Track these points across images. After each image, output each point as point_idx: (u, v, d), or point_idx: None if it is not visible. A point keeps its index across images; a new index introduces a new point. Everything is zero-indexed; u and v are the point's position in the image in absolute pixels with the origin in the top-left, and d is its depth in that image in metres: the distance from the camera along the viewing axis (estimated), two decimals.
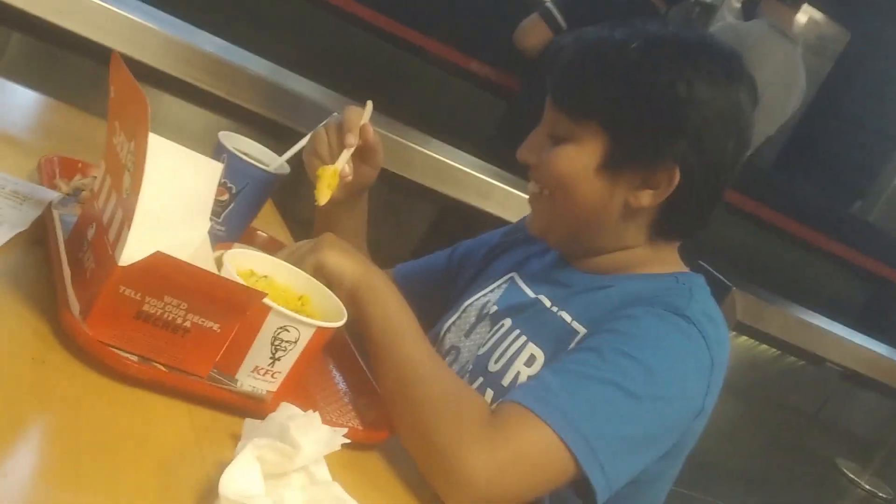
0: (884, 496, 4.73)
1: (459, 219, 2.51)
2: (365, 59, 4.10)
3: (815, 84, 6.15)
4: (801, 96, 3.92)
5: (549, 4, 3.25)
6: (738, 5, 5.49)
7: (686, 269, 1.26)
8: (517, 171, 2.78)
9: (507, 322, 1.26)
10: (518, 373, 1.19)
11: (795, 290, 4.45)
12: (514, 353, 1.21)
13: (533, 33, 3.31)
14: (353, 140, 1.22)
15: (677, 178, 1.14)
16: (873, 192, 6.86)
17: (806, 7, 5.87)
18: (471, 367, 1.26)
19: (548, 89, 1.21)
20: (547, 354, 1.18)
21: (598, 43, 1.17)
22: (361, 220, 1.43)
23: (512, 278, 1.34)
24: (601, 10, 3.30)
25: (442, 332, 1.34)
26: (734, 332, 4.09)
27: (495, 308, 1.29)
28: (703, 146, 1.13)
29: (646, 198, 1.16)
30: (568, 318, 1.20)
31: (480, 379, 1.23)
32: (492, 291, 1.33)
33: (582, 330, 1.17)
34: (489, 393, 1.20)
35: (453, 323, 1.34)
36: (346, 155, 1.22)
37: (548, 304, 1.24)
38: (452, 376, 1.09)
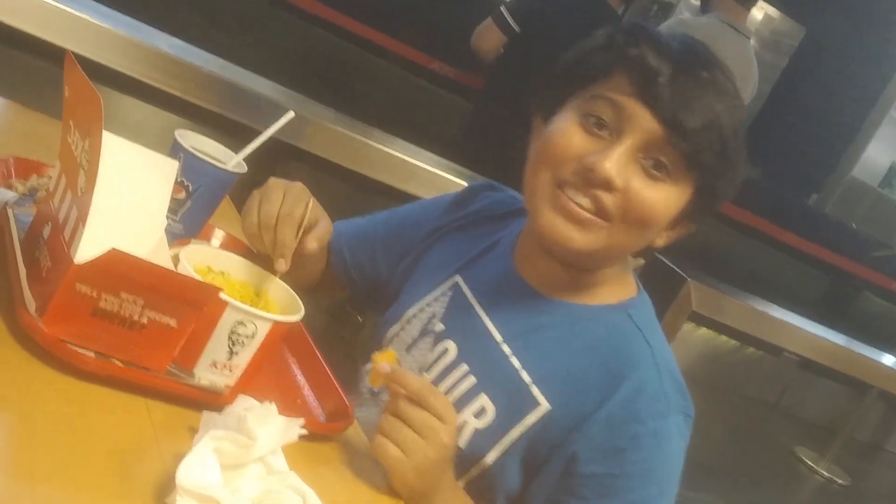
0: (841, 483, 4.81)
1: None
2: (325, 58, 4.11)
3: (771, 79, 6.24)
4: (755, 90, 3.99)
5: (502, 9, 3.29)
6: (697, 2, 5.56)
7: (634, 286, 1.25)
8: (481, 169, 2.81)
9: (453, 348, 1.22)
10: (466, 422, 1.16)
11: (753, 282, 4.52)
12: (462, 397, 1.18)
13: (487, 37, 3.36)
14: (283, 267, 1.11)
15: (694, 227, 1.18)
16: (829, 184, 6.98)
17: (761, 3, 5.96)
18: None
19: (646, 96, 1.07)
20: (499, 411, 1.15)
21: (727, 93, 1.09)
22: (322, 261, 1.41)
23: (457, 284, 1.28)
24: (555, 11, 3.35)
25: (385, 341, 1.31)
26: (694, 324, 4.15)
27: (441, 326, 1.25)
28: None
29: (662, 239, 1.17)
30: (527, 377, 1.16)
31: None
32: (436, 300, 1.28)
33: (544, 403, 1.13)
34: None
35: (396, 334, 1.30)
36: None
37: (498, 338, 1.20)
38: None
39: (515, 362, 1.17)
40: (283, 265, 1.11)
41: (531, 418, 1.14)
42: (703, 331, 4.80)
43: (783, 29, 6.57)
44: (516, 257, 1.26)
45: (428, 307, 1.29)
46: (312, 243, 1.13)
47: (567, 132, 1.11)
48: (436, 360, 1.23)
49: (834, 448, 4.88)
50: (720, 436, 4.75)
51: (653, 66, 1.06)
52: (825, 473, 4.80)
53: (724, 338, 4.98)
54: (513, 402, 1.15)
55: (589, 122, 1.10)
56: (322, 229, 1.17)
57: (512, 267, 1.25)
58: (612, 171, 1.06)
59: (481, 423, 1.16)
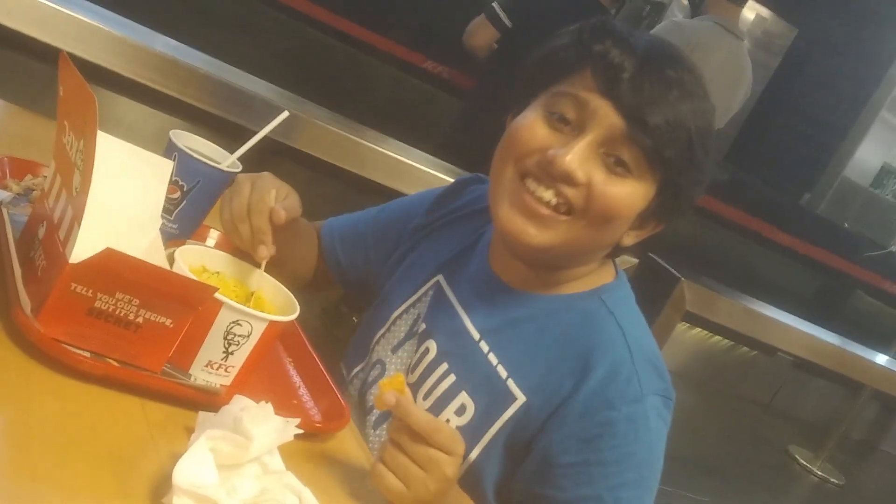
0: (835, 482, 4.82)
1: None
2: (319, 58, 4.11)
3: (763, 79, 6.26)
4: (748, 91, 4.00)
5: (494, 5, 3.29)
6: (687, 3, 5.58)
7: (612, 272, 1.25)
8: (471, 166, 2.81)
9: (432, 347, 1.24)
10: (448, 420, 1.17)
11: (746, 282, 4.53)
12: (443, 396, 1.20)
13: (480, 34, 3.36)
14: (265, 253, 1.11)
15: (661, 228, 1.18)
16: (822, 184, 7.00)
17: (753, 4, 5.98)
18: None
19: (609, 92, 1.07)
20: (478, 407, 1.17)
21: (694, 94, 1.09)
22: (301, 238, 1.39)
23: (438, 283, 1.30)
24: (547, 7, 3.35)
25: (372, 343, 1.32)
26: (687, 324, 4.16)
27: (423, 326, 1.26)
28: (693, 205, 1.18)
29: (630, 238, 1.17)
30: (503, 372, 1.17)
31: None
32: (419, 301, 1.30)
33: (520, 396, 1.14)
34: None
35: (382, 335, 1.31)
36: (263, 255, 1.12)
37: (475, 336, 1.21)
38: None
39: (492, 358, 1.18)
40: (264, 251, 1.11)
41: (509, 412, 1.15)
42: (697, 331, 4.81)
43: (775, 29, 6.59)
44: (490, 255, 1.27)
45: (413, 308, 1.30)
46: (280, 213, 1.12)
47: (531, 126, 1.12)
48: (418, 361, 1.24)
49: (828, 447, 4.89)
50: (714, 436, 4.76)
51: (616, 62, 1.07)
52: (819, 473, 4.81)
53: (717, 338, 4.99)
54: (491, 398, 1.16)
55: (553, 118, 1.11)
56: (289, 202, 1.16)
57: (487, 264, 1.26)
58: (573, 164, 1.07)
59: (462, 421, 1.17)
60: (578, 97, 1.09)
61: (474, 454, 1.16)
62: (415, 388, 1.23)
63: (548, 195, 1.10)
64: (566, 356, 1.15)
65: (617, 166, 1.08)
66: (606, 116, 1.07)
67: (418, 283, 1.31)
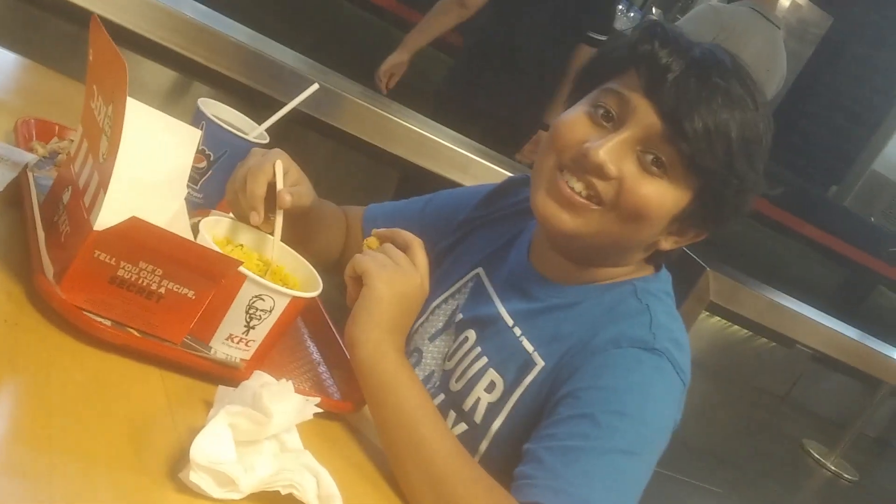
0: (849, 478, 4.80)
1: (420, 185, 2.52)
2: (348, 28, 4.08)
3: (795, 68, 6.18)
4: (783, 80, 3.95)
5: None
6: None
7: (648, 269, 1.24)
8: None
9: (471, 336, 1.25)
10: (479, 398, 1.19)
11: (770, 273, 4.49)
12: (474, 376, 1.21)
13: None
14: (256, 220, 1.09)
15: (704, 236, 1.17)
16: (849, 177, 6.93)
17: None
18: (437, 382, 1.26)
19: (652, 91, 1.08)
20: (506, 382, 1.18)
21: (740, 103, 1.07)
22: (325, 221, 1.38)
23: (478, 275, 1.32)
24: None
25: (411, 331, 1.30)
26: (707, 313, 4.14)
27: (460, 316, 1.28)
28: (741, 216, 1.16)
29: (669, 243, 1.17)
30: (529, 347, 1.18)
31: (442, 396, 1.23)
32: (458, 292, 1.32)
33: (540, 362, 1.15)
34: (451, 415, 1.21)
35: (420, 324, 1.32)
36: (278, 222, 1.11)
37: (510, 322, 1.22)
38: (479, 473, 1.03)
39: (524, 340, 1.19)
40: (255, 217, 1.08)
41: (529, 378, 1.16)
42: (716, 320, 4.78)
43: (810, 18, 6.50)
44: (531, 250, 1.28)
45: (452, 299, 1.32)
46: (285, 196, 1.09)
47: (574, 120, 1.13)
48: (456, 349, 1.26)
49: (843, 443, 4.87)
50: (729, 426, 4.75)
51: (663, 62, 1.07)
52: (833, 468, 4.80)
53: (735, 327, 4.96)
54: (517, 370, 1.18)
55: (597, 114, 1.12)
56: (300, 188, 1.14)
57: (526, 259, 1.27)
58: (605, 158, 1.08)
59: (493, 398, 1.18)
60: (622, 94, 1.10)
61: (496, 424, 1.16)
62: (450, 373, 1.24)
63: (579, 186, 1.11)
64: (589, 330, 1.14)
65: (652, 165, 1.08)
66: (646, 115, 1.08)
67: (458, 275, 1.33)
